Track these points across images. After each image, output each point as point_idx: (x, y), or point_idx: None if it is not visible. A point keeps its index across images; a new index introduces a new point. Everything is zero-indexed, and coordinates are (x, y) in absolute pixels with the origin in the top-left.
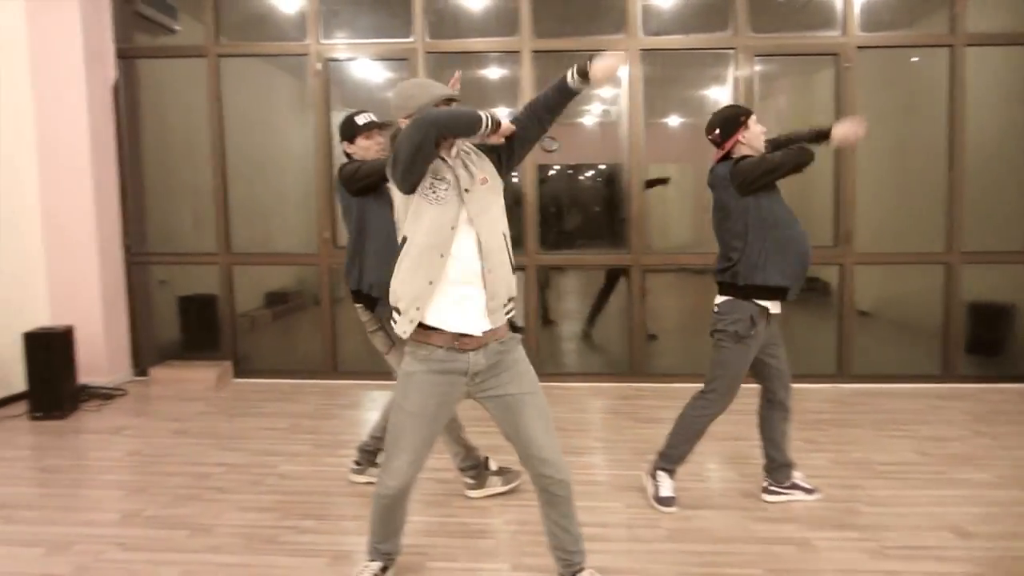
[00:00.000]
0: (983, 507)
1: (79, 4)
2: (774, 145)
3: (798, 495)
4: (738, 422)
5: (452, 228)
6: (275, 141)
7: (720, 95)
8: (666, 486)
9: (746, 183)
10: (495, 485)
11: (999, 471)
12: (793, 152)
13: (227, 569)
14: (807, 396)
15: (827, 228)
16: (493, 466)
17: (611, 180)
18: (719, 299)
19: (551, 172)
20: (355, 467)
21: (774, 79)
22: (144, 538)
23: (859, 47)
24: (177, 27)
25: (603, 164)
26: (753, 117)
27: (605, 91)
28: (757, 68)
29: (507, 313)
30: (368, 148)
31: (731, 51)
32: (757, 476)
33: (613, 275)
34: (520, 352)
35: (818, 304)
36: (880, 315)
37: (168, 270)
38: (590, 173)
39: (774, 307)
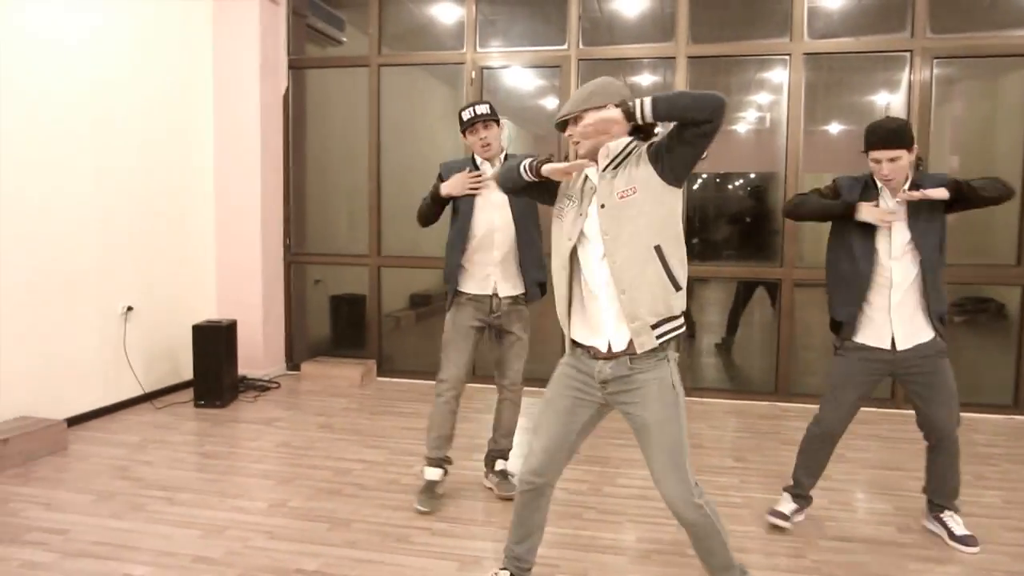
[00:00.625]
0: None
1: (259, 17)
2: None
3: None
4: (891, 449)
5: (569, 241)
6: (428, 148)
7: (890, 101)
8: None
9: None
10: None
11: None
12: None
13: (362, 566)
14: (977, 427)
15: (1010, 245)
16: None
17: (763, 190)
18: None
19: (699, 181)
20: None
21: (953, 83)
22: (288, 528)
23: None
24: (343, 38)
25: (755, 173)
26: (873, 153)
27: (763, 97)
28: (936, 71)
29: (657, 333)
30: (473, 144)
31: (907, 53)
32: (914, 511)
33: (749, 287)
34: (659, 373)
35: (992, 328)
36: None
37: (322, 270)
38: (740, 182)
39: None
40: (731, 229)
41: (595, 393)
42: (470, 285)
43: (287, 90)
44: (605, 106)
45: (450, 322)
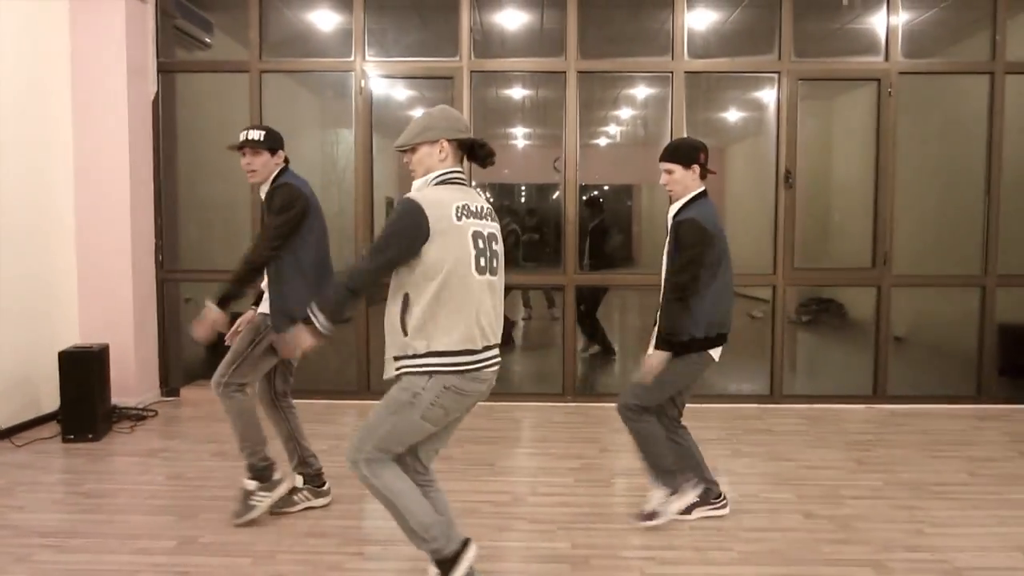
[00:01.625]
0: None
1: (125, 16)
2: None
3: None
4: (777, 443)
5: None
6: (315, 158)
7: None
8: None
9: None
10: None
11: None
12: None
13: None
14: (846, 417)
15: (860, 250)
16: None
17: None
18: None
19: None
20: None
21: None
22: (207, 567)
23: (900, 72)
24: (210, 41)
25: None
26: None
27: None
28: (801, 90)
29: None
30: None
31: (774, 75)
32: (814, 498)
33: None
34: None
35: (839, 325)
36: (914, 337)
37: (197, 287)
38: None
39: None
40: (622, 239)
41: None
42: None
43: (156, 94)
44: (438, 141)
45: None
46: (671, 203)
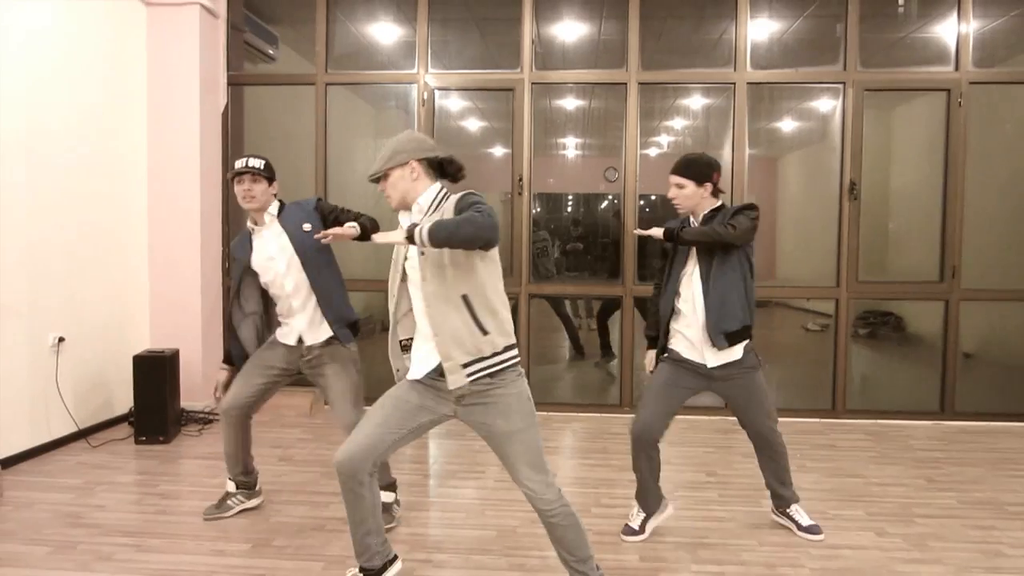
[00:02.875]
0: None
1: (199, 30)
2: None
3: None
4: (842, 458)
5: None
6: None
7: (821, 127)
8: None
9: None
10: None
11: None
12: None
13: None
14: (912, 433)
15: (934, 263)
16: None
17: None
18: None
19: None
20: None
21: (876, 109)
22: (281, 570)
23: (971, 82)
24: (274, 54)
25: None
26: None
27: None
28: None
29: (467, 372)
30: (237, 193)
31: (839, 85)
32: (885, 515)
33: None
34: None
35: (897, 339)
36: (982, 353)
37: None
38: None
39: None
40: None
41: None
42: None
43: (226, 107)
44: (408, 163)
45: None
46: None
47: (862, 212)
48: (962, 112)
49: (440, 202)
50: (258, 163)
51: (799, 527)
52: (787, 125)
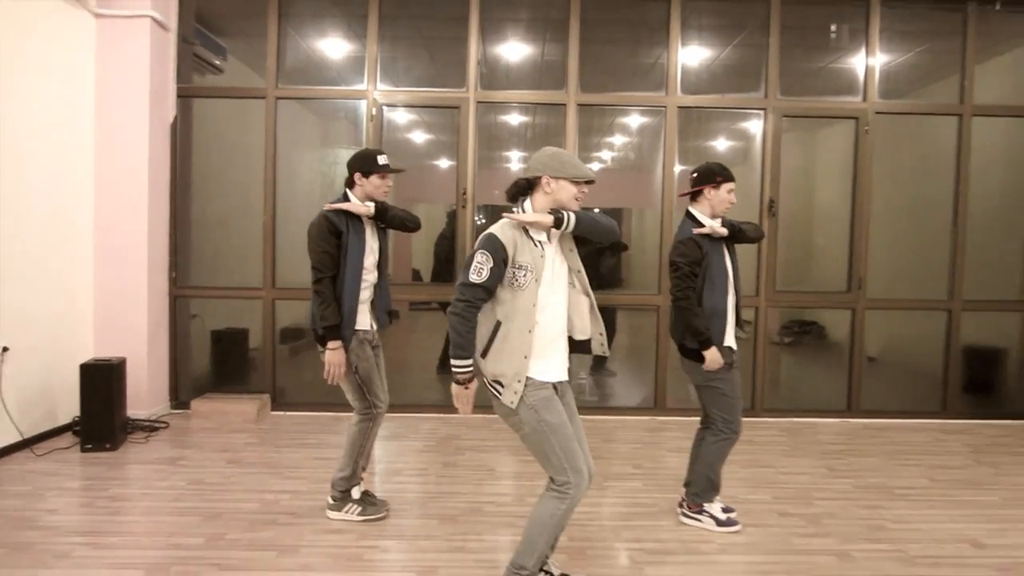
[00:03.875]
0: (994, 524)
1: (149, 43)
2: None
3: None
4: (757, 452)
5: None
6: (319, 181)
7: (746, 148)
8: (718, 510)
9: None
10: (350, 513)
11: (1003, 494)
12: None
13: None
14: (822, 429)
15: (838, 274)
16: (356, 494)
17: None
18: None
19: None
20: (331, 503)
21: (799, 131)
22: (236, 559)
23: (877, 112)
24: (220, 65)
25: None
26: (728, 184)
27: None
28: (784, 124)
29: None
30: (379, 188)
31: (761, 111)
32: (788, 499)
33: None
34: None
35: (818, 346)
36: (885, 357)
37: (205, 304)
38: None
39: None
40: (615, 260)
41: None
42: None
43: (175, 119)
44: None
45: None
46: (720, 219)
47: (784, 227)
48: (869, 139)
49: None
50: (391, 161)
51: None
52: (717, 145)
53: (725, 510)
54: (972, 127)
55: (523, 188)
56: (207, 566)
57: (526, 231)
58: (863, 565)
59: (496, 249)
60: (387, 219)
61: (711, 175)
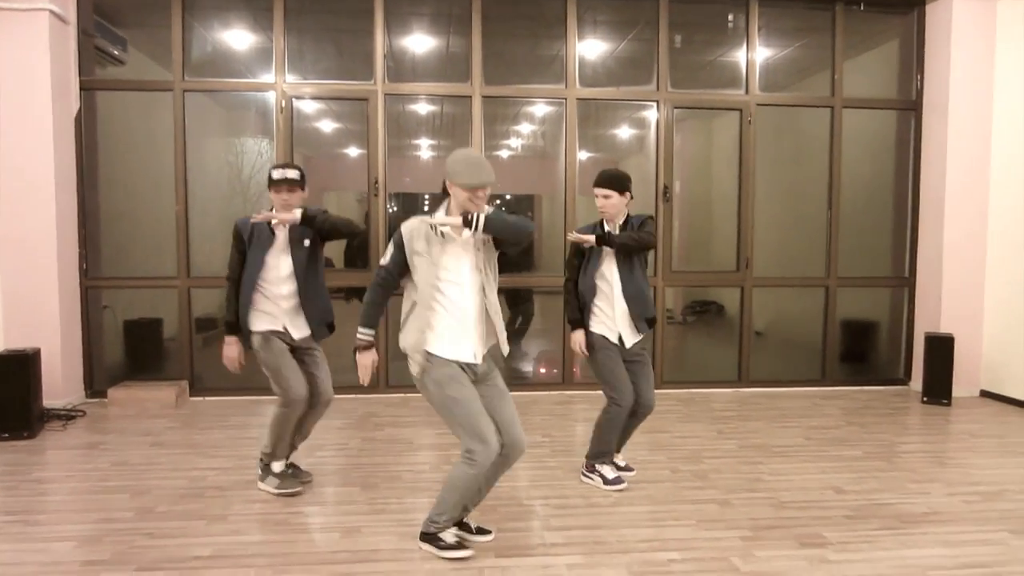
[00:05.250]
0: (855, 473)
1: (48, 36)
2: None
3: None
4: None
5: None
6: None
7: (644, 136)
8: (608, 470)
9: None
10: (268, 485)
11: (866, 448)
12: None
13: (255, 546)
14: (715, 399)
15: (731, 255)
16: (277, 468)
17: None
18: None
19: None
20: (259, 475)
21: (695, 119)
22: (167, 527)
23: (759, 104)
24: (120, 56)
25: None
26: (596, 191)
27: (544, 130)
28: (676, 115)
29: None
30: (278, 199)
31: (654, 102)
32: (680, 459)
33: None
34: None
35: (715, 323)
36: (771, 331)
37: (119, 294)
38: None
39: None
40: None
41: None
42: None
43: (79, 112)
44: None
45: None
46: (603, 223)
47: (683, 212)
48: (752, 129)
49: None
50: (295, 174)
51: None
52: (616, 135)
53: (617, 470)
54: (843, 118)
55: (444, 188)
56: (139, 535)
57: (436, 223)
58: (740, 511)
59: (397, 238)
60: (315, 225)
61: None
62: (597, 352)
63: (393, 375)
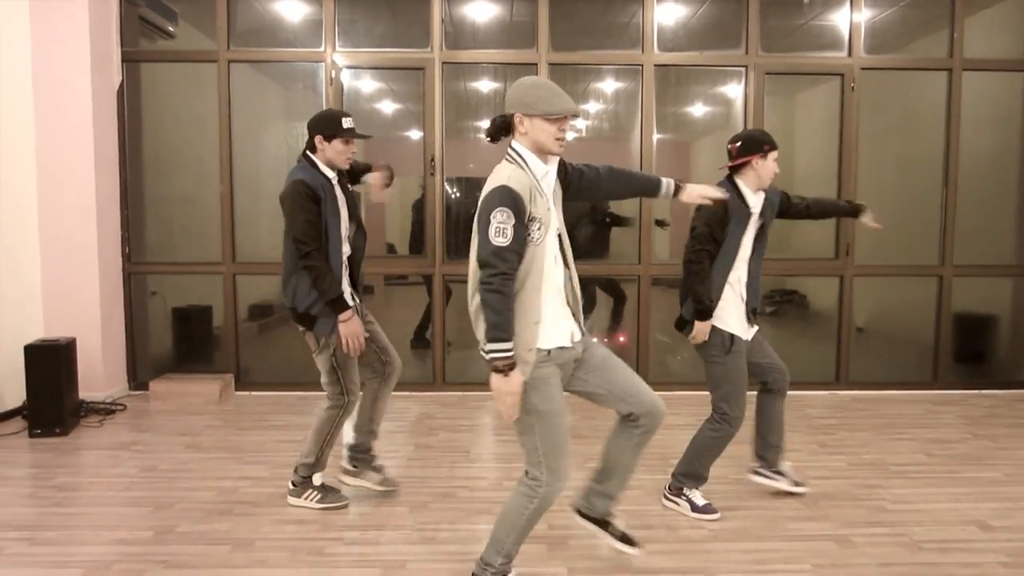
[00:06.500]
0: (999, 502)
1: (88, 5)
2: (804, 204)
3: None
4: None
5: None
6: (280, 150)
7: (727, 111)
8: (697, 496)
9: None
10: (310, 500)
11: (1005, 470)
12: None
13: None
14: (810, 402)
15: (829, 241)
16: (318, 481)
17: None
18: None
19: None
20: (292, 488)
21: (779, 95)
22: (185, 555)
23: (863, 68)
24: (174, 31)
25: None
26: (775, 153)
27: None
28: (766, 85)
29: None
30: (341, 154)
31: (742, 68)
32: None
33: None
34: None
35: (802, 316)
36: (874, 326)
37: (164, 280)
38: None
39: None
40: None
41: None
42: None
43: (121, 84)
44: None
45: None
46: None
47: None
48: (855, 96)
49: None
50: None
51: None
52: (697, 110)
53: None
54: (963, 82)
55: (499, 127)
56: (153, 563)
57: (535, 176)
58: (864, 552)
59: (511, 200)
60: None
61: (758, 144)
62: (731, 355)
63: (450, 369)
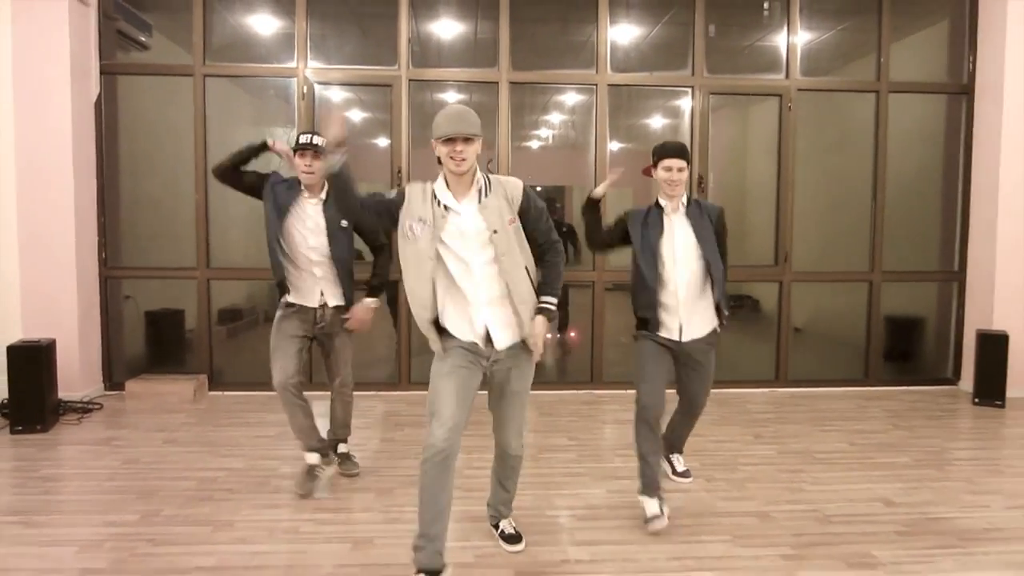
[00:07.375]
0: (905, 483)
1: (68, 19)
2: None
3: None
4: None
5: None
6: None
7: (676, 125)
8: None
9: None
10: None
11: (915, 455)
12: None
13: (260, 556)
14: (750, 399)
15: (768, 249)
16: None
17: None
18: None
19: None
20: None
21: (734, 107)
22: (171, 534)
23: (799, 89)
24: (146, 42)
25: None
26: (665, 162)
27: (574, 118)
28: (717, 102)
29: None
30: (298, 166)
31: (688, 88)
32: (715, 466)
33: None
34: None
35: (750, 319)
36: (811, 328)
37: (138, 284)
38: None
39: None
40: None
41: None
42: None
43: (99, 96)
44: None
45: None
46: (668, 199)
47: (717, 204)
48: (792, 115)
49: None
50: (320, 140)
51: (674, 471)
52: (651, 122)
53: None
54: (889, 103)
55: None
56: (141, 541)
57: (435, 189)
58: (782, 524)
59: (401, 193)
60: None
61: (653, 155)
62: (639, 342)
63: (415, 371)
